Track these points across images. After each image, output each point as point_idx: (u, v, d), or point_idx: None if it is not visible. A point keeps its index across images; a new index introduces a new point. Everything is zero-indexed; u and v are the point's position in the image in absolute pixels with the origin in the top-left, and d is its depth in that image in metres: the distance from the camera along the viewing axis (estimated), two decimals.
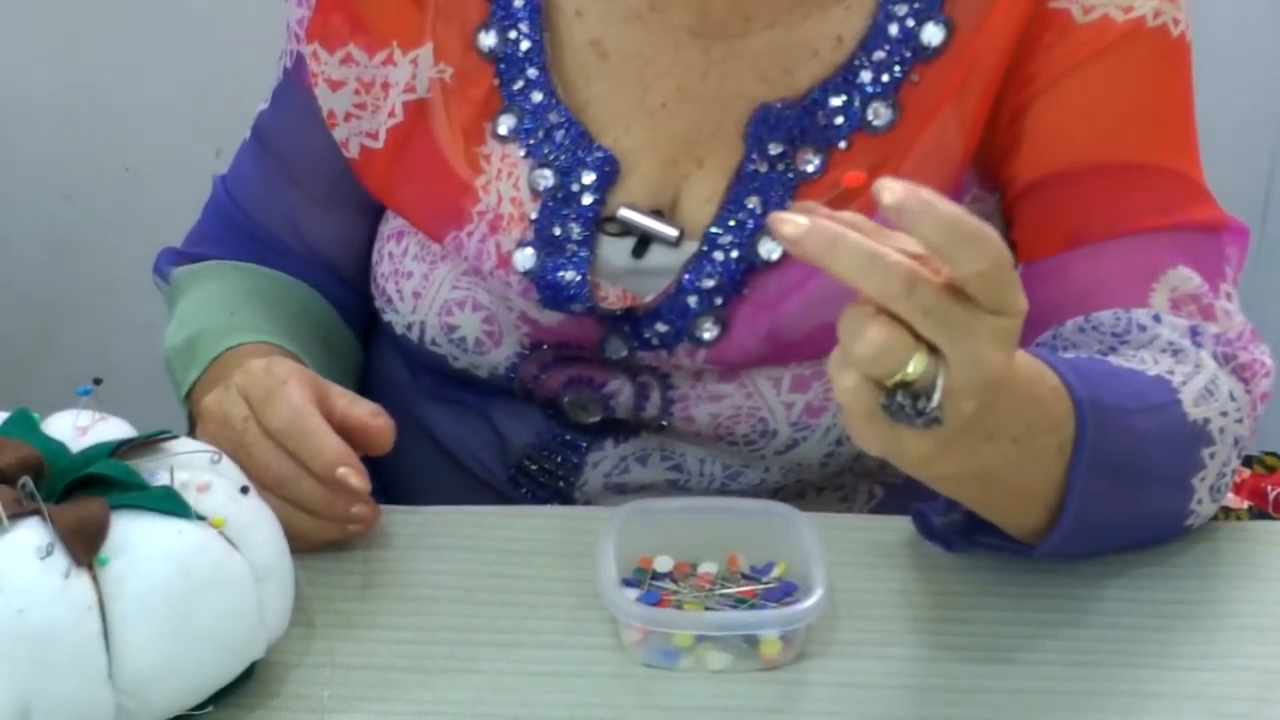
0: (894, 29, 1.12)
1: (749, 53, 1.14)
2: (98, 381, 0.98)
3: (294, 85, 1.25)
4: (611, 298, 1.14)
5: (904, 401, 0.82)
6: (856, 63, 1.13)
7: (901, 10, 1.12)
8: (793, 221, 0.82)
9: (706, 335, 1.13)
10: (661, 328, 1.14)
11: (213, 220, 1.31)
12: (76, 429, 0.95)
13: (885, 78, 1.12)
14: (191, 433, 1.13)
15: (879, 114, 1.12)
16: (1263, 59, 2.24)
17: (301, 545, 1.00)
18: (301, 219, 1.27)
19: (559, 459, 1.20)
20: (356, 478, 1.01)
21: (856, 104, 1.13)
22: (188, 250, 1.31)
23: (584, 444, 1.19)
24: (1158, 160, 1.12)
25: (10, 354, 2.28)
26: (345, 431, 1.03)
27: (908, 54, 1.12)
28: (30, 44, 2.16)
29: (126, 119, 2.19)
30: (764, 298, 1.12)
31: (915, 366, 0.82)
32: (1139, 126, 1.12)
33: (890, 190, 0.80)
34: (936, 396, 0.82)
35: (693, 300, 1.13)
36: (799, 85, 1.14)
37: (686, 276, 1.13)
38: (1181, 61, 1.14)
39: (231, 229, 1.29)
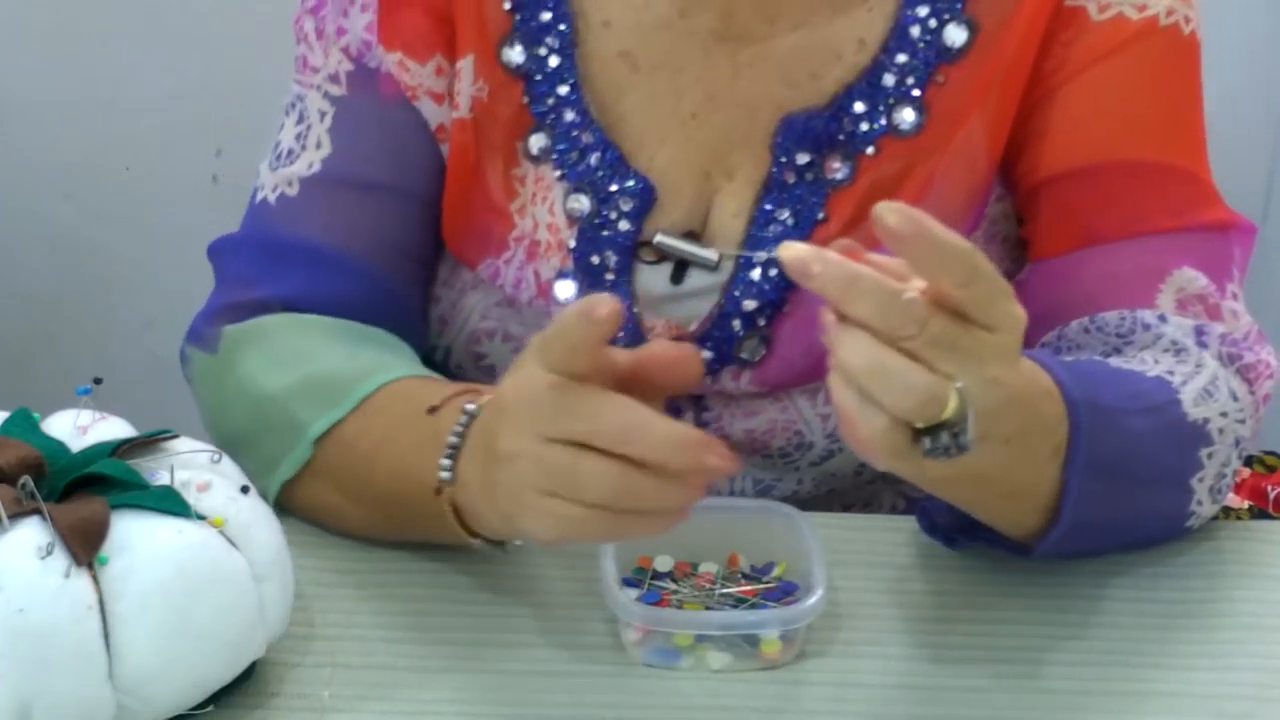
0: (915, 30, 1.11)
1: (774, 56, 1.12)
2: (98, 381, 0.98)
3: (364, 105, 1.14)
4: (658, 328, 1.13)
5: (947, 443, 0.84)
6: (879, 66, 1.12)
7: (923, 11, 1.11)
8: (793, 248, 0.83)
9: (751, 357, 1.12)
10: (706, 355, 1.11)
11: (248, 261, 1.15)
12: (77, 428, 0.95)
13: (910, 80, 1.11)
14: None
15: (905, 117, 1.11)
16: (1263, 59, 2.24)
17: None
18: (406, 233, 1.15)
19: None
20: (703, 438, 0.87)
21: (881, 108, 1.11)
22: (224, 302, 1.13)
23: None
24: (1170, 160, 1.12)
25: (10, 354, 2.28)
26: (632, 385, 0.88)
27: (932, 56, 1.11)
28: (30, 44, 2.15)
29: (126, 119, 2.18)
30: (806, 312, 1.10)
31: (952, 405, 0.83)
32: (1152, 125, 1.12)
33: (893, 213, 0.81)
34: (971, 428, 0.84)
35: (736, 324, 1.11)
36: (825, 90, 1.12)
37: (729, 299, 1.11)
38: (1192, 60, 1.14)
39: (280, 259, 1.13)
